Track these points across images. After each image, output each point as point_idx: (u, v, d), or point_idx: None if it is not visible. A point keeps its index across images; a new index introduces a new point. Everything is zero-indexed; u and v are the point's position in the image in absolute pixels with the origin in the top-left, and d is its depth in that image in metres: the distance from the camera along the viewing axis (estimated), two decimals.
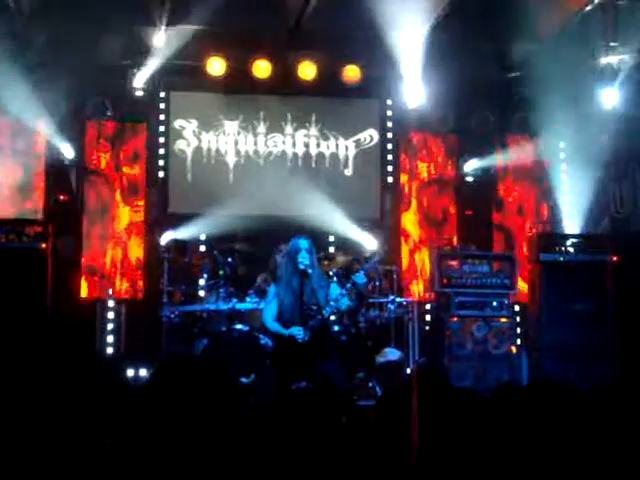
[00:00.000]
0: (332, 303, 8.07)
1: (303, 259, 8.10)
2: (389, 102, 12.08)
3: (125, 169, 11.56)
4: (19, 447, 3.61)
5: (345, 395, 7.84)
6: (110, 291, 11.20)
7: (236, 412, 3.35)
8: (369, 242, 11.54)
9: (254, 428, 3.53)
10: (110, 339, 10.87)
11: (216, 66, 11.11)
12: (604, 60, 10.46)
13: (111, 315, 10.97)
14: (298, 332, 7.92)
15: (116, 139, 11.50)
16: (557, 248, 10.74)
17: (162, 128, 11.66)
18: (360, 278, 8.16)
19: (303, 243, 8.22)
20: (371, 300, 10.25)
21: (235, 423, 3.34)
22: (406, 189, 12.16)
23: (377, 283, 10.31)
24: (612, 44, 10.18)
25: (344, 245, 11.45)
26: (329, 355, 8.14)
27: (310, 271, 8.10)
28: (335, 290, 8.22)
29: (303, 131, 11.96)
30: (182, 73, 11.38)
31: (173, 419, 3.25)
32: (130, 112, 11.43)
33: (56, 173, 11.29)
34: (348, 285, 8.14)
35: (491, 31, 10.28)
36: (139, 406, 3.38)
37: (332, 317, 8.25)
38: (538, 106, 11.58)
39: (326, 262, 10.28)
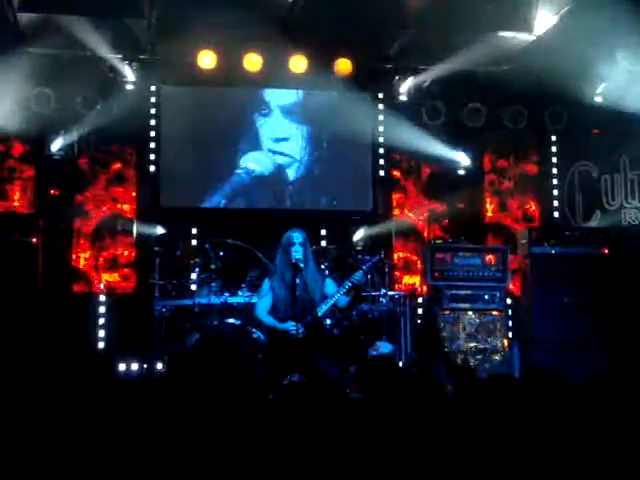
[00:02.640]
0: (329, 300, 8.06)
1: (296, 252, 8.10)
2: (380, 95, 12.06)
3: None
4: (11, 442, 3.60)
5: (337, 388, 7.83)
6: (102, 285, 11.18)
7: (228, 404, 3.35)
8: (361, 235, 11.54)
9: (245, 421, 3.52)
10: (102, 333, 10.85)
11: (206, 59, 11.07)
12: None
13: (102, 309, 10.95)
14: (292, 327, 7.91)
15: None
16: (548, 241, 10.75)
17: (153, 122, 11.63)
18: (360, 278, 8.15)
19: (297, 236, 8.21)
20: (363, 294, 10.24)
21: (227, 416, 3.33)
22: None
23: (369, 277, 10.30)
24: None
25: (336, 238, 11.44)
26: (321, 349, 8.14)
27: (302, 265, 8.09)
28: (331, 286, 8.21)
29: (295, 124, 11.94)
30: (173, 67, 11.33)
31: (168, 413, 3.25)
32: (120, 106, 11.41)
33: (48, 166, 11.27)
34: (347, 284, 8.11)
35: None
36: (132, 400, 3.37)
37: (327, 314, 8.25)
38: (531, 99, 11.62)
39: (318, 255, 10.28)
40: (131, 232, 11.34)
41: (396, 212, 12.17)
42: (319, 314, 8.04)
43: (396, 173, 12.24)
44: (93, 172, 11.52)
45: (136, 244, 11.45)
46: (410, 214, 12.16)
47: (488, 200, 12.29)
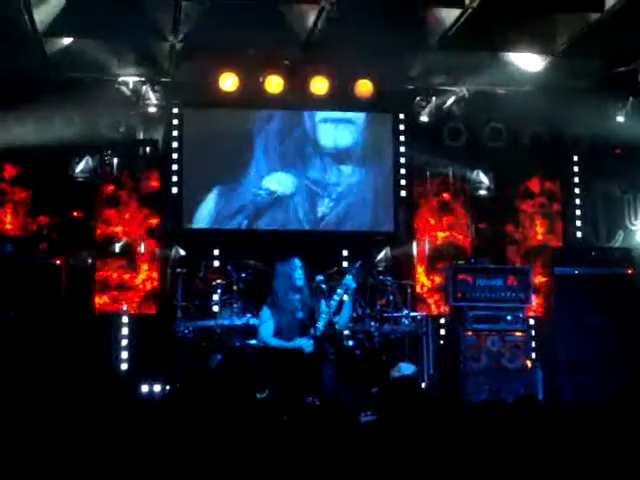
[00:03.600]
0: (324, 316, 8.47)
1: (299, 277, 8.71)
2: (402, 116, 12.08)
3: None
4: (35, 461, 3.61)
5: (351, 411, 7.92)
6: (125, 307, 11.21)
7: (249, 427, 3.35)
8: (383, 256, 11.56)
9: (266, 443, 3.52)
10: (124, 355, 10.88)
11: (228, 82, 11.14)
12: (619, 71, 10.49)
13: (125, 331, 10.98)
14: (303, 343, 8.26)
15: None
16: (571, 261, 10.71)
17: (175, 144, 11.69)
18: (349, 281, 8.56)
19: (298, 262, 8.90)
20: (385, 315, 10.23)
21: (248, 438, 3.33)
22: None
23: (391, 297, 10.28)
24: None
25: (358, 260, 11.44)
26: (327, 363, 8.40)
27: (304, 289, 8.63)
28: (323, 304, 8.62)
29: (316, 147, 11.97)
30: (195, 89, 11.41)
31: (188, 434, 3.25)
32: (142, 129, 11.49)
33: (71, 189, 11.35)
34: (339, 291, 8.52)
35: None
36: (158, 421, 3.38)
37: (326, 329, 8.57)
38: (552, 119, 11.60)
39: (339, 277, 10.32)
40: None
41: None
42: (321, 330, 8.45)
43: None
44: (115, 194, 11.58)
45: (159, 266, 11.48)
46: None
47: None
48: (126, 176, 11.56)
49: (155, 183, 11.66)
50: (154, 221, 11.56)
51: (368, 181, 12.00)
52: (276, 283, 8.99)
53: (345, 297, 8.79)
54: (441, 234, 12.07)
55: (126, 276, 11.31)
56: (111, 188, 11.52)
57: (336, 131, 11.99)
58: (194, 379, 3.19)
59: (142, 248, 11.44)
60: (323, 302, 8.74)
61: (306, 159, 11.90)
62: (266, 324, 8.60)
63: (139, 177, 11.59)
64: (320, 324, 8.56)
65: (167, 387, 10.40)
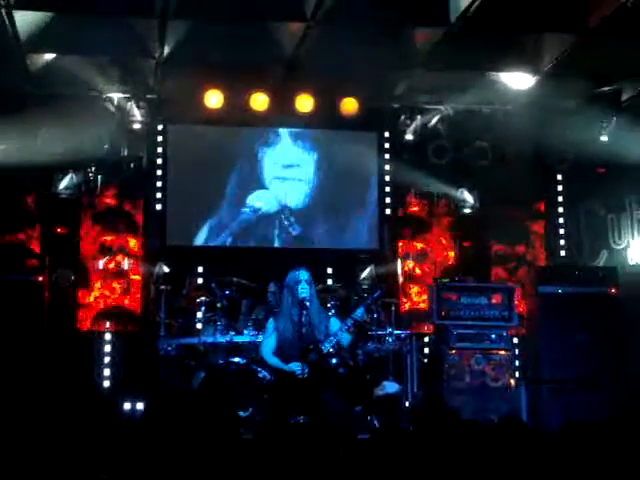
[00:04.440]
0: (332, 338, 8.08)
1: (303, 290, 8.16)
2: (387, 134, 12.10)
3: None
4: (16, 478, 3.58)
5: (343, 428, 7.80)
6: (107, 324, 11.16)
7: (231, 445, 3.32)
8: (367, 273, 11.56)
9: (249, 461, 3.50)
10: (107, 372, 10.82)
11: (213, 99, 11.14)
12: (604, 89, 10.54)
13: (108, 348, 10.93)
14: (297, 368, 7.92)
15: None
16: (555, 280, 10.72)
17: (159, 161, 11.67)
18: (361, 315, 8.18)
19: (303, 274, 8.29)
20: (369, 332, 10.20)
21: (230, 456, 3.30)
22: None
23: (375, 316, 10.26)
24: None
25: (342, 277, 11.44)
26: (326, 388, 8.13)
27: (308, 303, 8.13)
28: (335, 324, 8.23)
29: (301, 164, 11.97)
30: (180, 106, 11.40)
31: (169, 452, 3.22)
32: (126, 145, 11.45)
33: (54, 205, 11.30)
34: (349, 321, 8.16)
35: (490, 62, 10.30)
36: (135, 440, 3.35)
37: (331, 350, 8.23)
38: (536, 138, 11.64)
39: (324, 294, 10.27)
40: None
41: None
42: (323, 352, 8.06)
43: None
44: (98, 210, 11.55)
45: (142, 283, 11.44)
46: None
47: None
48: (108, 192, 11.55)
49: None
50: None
51: (352, 199, 12.00)
52: (283, 295, 8.68)
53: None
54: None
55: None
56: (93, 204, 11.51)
57: (321, 149, 12.00)
58: (169, 396, 3.16)
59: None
60: (336, 322, 8.39)
61: (290, 177, 11.90)
62: (268, 339, 8.33)
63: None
64: (326, 345, 8.16)
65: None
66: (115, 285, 11.43)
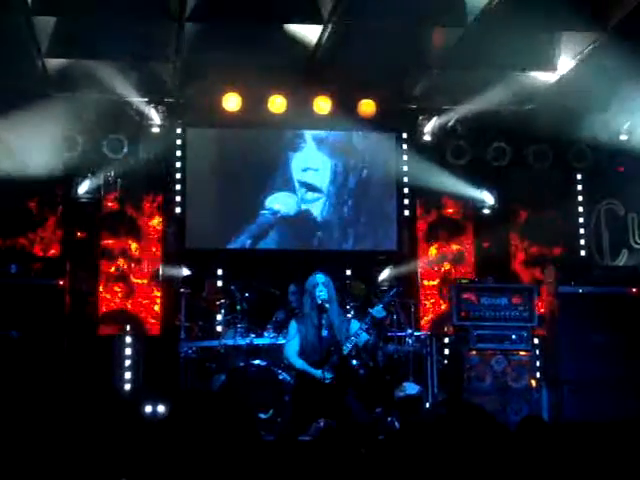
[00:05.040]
0: (352, 338, 8.08)
1: (320, 293, 8.16)
2: (405, 135, 12.09)
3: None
4: None
5: (366, 430, 7.81)
6: (128, 327, 11.19)
7: (253, 448, 3.32)
8: (386, 275, 11.54)
9: (270, 463, 3.50)
10: (128, 375, 10.85)
11: (232, 102, 11.16)
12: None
13: (129, 351, 10.96)
14: (320, 374, 7.93)
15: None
16: (575, 280, 10.68)
17: (179, 164, 11.70)
18: (379, 311, 8.17)
19: (320, 277, 8.30)
20: (389, 334, 10.19)
21: (251, 458, 3.30)
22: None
23: (395, 317, 10.25)
24: None
25: (361, 278, 11.42)
26: (347, 390, 8.13)
27: (328, 305, 8.13)
28: (355, 326, 8.24)
29: (324, 157, 11.97)
30: (198, 109, 11.43)
31: (190, 456, 3.22)
32: (146, 148, 11.48)
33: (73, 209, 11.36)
34: (367, 319, 8.16)
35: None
36: (156, 442, 3.35)
37: (352, 352, 8.23)
38: (555, 138, 11.60)
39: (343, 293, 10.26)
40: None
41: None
42: (344, 353, 8.06)
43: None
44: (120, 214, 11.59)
45: (162, 286, 11.47)
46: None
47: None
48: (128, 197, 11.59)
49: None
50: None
51: (371, 200, 12.00)
52: (304, 298, 8.64)
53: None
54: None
55: None
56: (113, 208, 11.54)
57: (339, 151, 12.00)
58: (190, 399, 3.16)
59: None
60: (356, 323, 8.40)
61: (308, 179, 11.90)
62: (291, 342, 8.34)
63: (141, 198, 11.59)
64: (347, 346, 8.14)
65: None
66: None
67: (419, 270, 11.98)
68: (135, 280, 11.50)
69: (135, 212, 11.61)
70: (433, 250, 12.07)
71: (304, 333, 8.26)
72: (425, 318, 11.83)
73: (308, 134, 11.96)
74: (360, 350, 8.49)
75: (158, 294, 11.47)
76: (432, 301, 11.95)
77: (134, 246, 11.54)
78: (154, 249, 11.61)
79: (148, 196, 11.64)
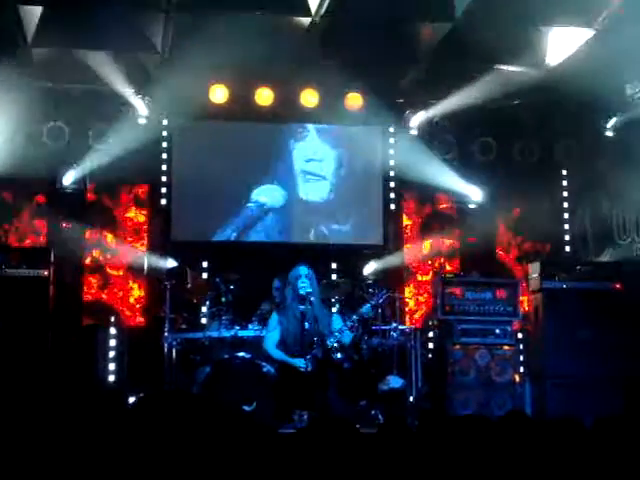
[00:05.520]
0: (337, 334, 8.11)
1: (303, 284, 8.19)
2: (391, 129, 12.10)
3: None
4: (21, 472, 3.59)
5: (346, 423, 7.81)
6: (112, 318, 11.16)
7: (236, 440, 3.32)
8: (371, 269, 11.54)
9: (254, 456, 3.51)
10: (112, 366, 10.82)
11: (218, 94, 11.14)
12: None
13: (113, 342, 10.93)
14: (301, 363, 7.95)
15: None
16: (560, 276, 10.71)
17: (165, 156, 11.67)
18: (367, 311, 8.21)
19: (303, 269, 8.35)
20: (374, 327, 10.21)
21: (236, 451, 3.31)
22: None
23: (380, 311, 10.27)
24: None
25: (347, 272, 11.44)
26: (331, 383, 8.15)
27: (312, 298, 8.15)
28: (338, 322, 8.26)
29: (304, 157, 11.98)
30: (185, 101, 11.40)
31: (171, 446, 3.23)
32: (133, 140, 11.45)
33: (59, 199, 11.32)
34: (354, 317, 8.18)
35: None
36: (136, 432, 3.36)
37: (335, 345, 8.25)
38: (541, 133, 11.63)
39: (328, 289, 10.28)
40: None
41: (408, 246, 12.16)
42: (328, 347, 8.08)
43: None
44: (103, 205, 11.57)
45: (147, 277, 11.45)
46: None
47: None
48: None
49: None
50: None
51: (356, 194, 12.01)
52: (286, 290, 8.69)
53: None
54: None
55: None
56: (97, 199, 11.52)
57: (324, 145, 12.01)
58: (164, 397, 3.17)
59: None
60: (338, 319, 8.42)
61: (293, 172, 11.91)
62: (272, 334, 8.36)
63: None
64: (331, 340, 8.16)
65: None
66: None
67: (405, 263, 12.01)
68: (111, 271, 11.49)
69: (111, 203, 11.60)
70: (427, 244, 12.10)
71: (285, 325, 8.29)
72: (419, 312, 11.89)
73: (295, 127, 11.96)
74: (345, 347, 8.52)
75: (134, 286, 11.49)
76: (425, 296, 11.98)
77: (110, 237, 11.51)
78: (130, 239, 11.61)
79: (125, 187, 11.60)
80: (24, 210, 11.37)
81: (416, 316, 11.94)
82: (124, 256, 11.50)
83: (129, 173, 11.44)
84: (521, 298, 10.66)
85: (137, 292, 11.56)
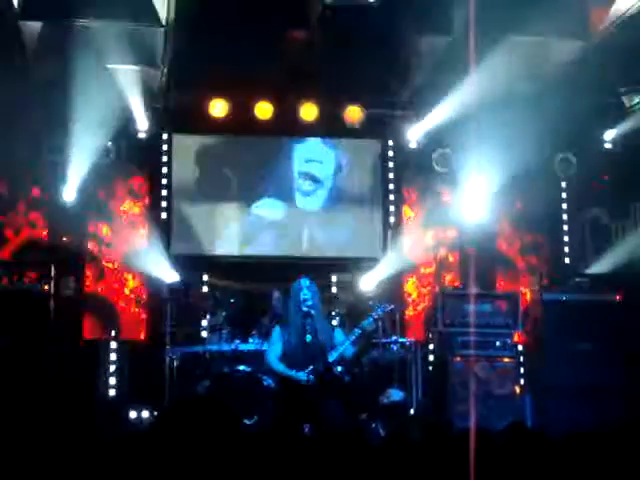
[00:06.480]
0: (339, 347, 8.10)
1: (305, 297, 8.18)
2: (390, 142, 12.11)
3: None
4: None
5: (350, 436, 7.80)
6: (113, 332, 11.15)
7: (235, 453, 3.33)
8: (371, 282, 11.53)
9: (254, 469, 3.51)
10: (112, 381, 10.80)
11: (218, 108, 11.18)
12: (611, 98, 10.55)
13: (114, 356, 10.92)
14: (303, 376, 7.94)
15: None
16: (560, 288, 10.72)
17: (164, 170, 11.69)
18: (369, 324, 8.21)
19: (304, 282, 8.33)
20: (374, 340, 10.20)
21: (235, 464, 3.32)
22: None
23: (380, 324, 10.26)
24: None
25: (346, 285, 11.44)
26: (332, 397, 8.13)
27: (313, 312, 8.14)
28: (339, 335, 8.27)
29: (304, 158, 12.00)
30: (185, 115, 11.43)
31: (174, 461, 3.23)
32: (132, 154, 11.47)
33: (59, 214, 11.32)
34: (357, 331, 8.18)
35: None
36: (141, 449, 3.36)
37: (337, 361, 8.24)
38: (541, 145, 11.64)
39: (328, 303, 10.29)
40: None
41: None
42: (329, 360, 8.07)
43: None
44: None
45: (147, 291, 11.45)
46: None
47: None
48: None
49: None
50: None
51: (356, 207, 12.02)
52: (288, 303, 8.71)
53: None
54: None
55: None
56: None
57: (325, 146, 12.03)
58: (181, 406, 3.17)
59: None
60: (340, 332, 8.42)
61: (293, 186, 11.92)
62: (274, 346, 8.35)
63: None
64: (332, 354, 8.14)
65: (155, 413, 10.33)
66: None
67: (403, 276, 12.01)
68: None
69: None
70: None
71: (287, 338, 8.27)
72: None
73: (293, 141, 11.98)
74: (346, 361, 8.51)
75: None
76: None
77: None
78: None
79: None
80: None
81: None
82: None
83: (130, 187, 11.48)
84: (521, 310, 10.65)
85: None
